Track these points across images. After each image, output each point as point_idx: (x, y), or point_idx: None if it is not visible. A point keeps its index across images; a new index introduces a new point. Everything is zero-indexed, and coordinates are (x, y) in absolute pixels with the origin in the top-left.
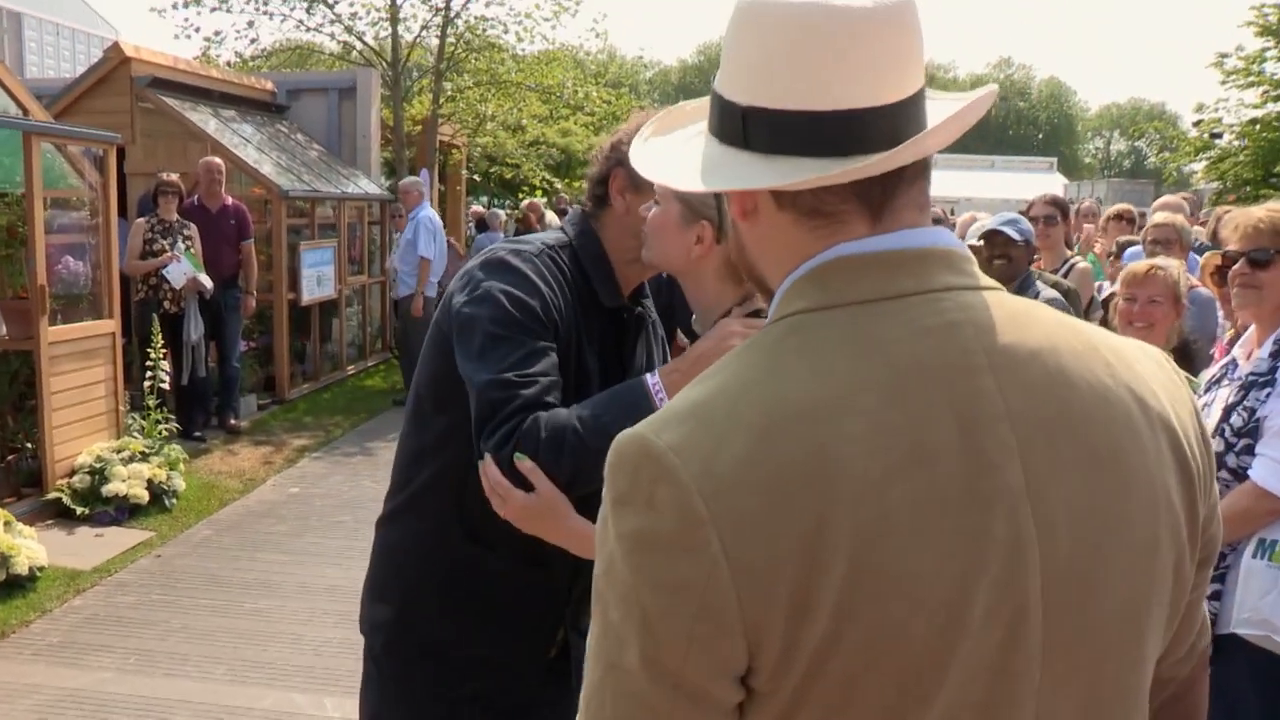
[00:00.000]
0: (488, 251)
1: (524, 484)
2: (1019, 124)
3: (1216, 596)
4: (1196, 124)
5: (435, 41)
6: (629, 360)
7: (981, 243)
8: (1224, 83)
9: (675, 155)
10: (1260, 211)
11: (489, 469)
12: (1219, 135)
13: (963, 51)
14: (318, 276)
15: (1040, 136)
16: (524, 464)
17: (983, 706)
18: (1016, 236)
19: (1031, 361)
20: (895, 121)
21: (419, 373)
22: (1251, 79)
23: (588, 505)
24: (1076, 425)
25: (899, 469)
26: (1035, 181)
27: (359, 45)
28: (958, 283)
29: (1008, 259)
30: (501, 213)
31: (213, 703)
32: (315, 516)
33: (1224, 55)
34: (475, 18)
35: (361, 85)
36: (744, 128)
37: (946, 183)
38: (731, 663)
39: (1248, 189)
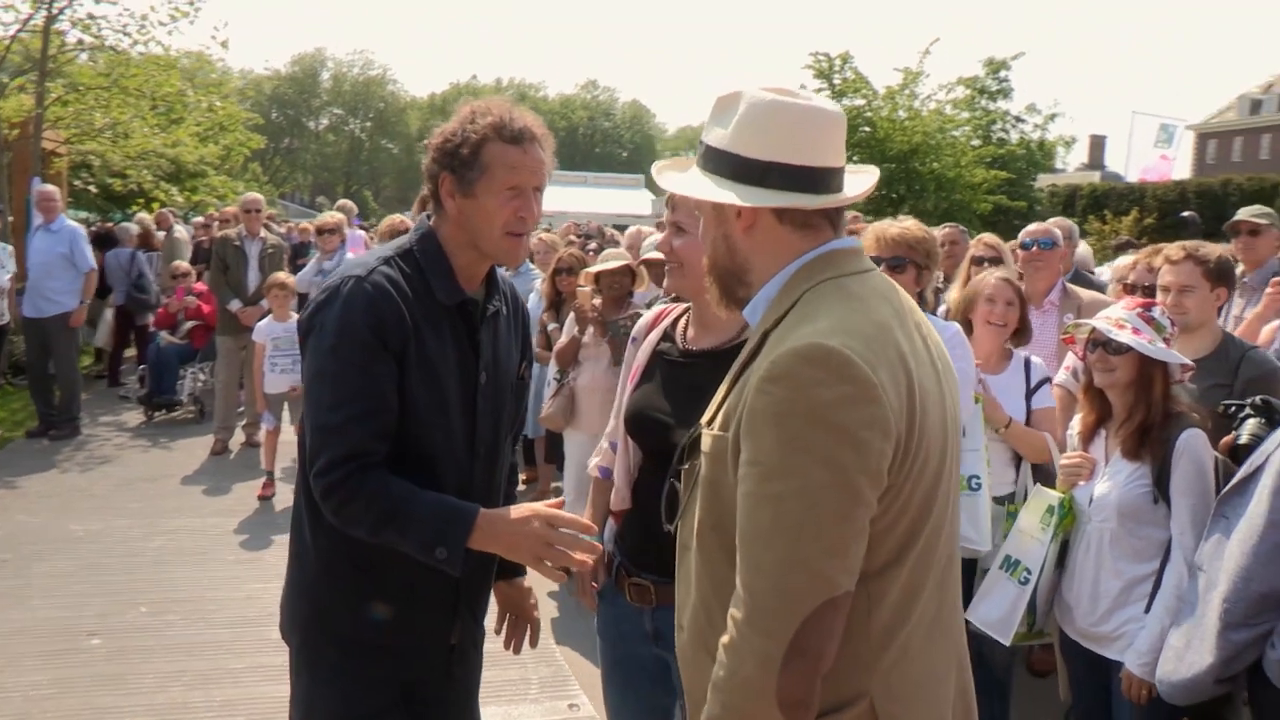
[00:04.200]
0: (330, 281)
1: None
2: (605, 142)
3: None
4: None
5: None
6: (479, 351)
7: (659, 254)
8: None
9: (705, 188)
10: (895, 229)
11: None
12: None
13: (551, 72)
14: None
15: (624, 154)
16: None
17: (947, 509)
18: None
19: (914, 309)
20: (842, 176)
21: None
22: None
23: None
24: (937, 351)
25: (919, 361)
26: (626, 197)
27: None
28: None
29: None
30: (132, 226)
31: None
32: None
33: (802, 87)
34: (86, 16)
35: None
36: (764, 173)
37: (545, 198)
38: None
39: None
